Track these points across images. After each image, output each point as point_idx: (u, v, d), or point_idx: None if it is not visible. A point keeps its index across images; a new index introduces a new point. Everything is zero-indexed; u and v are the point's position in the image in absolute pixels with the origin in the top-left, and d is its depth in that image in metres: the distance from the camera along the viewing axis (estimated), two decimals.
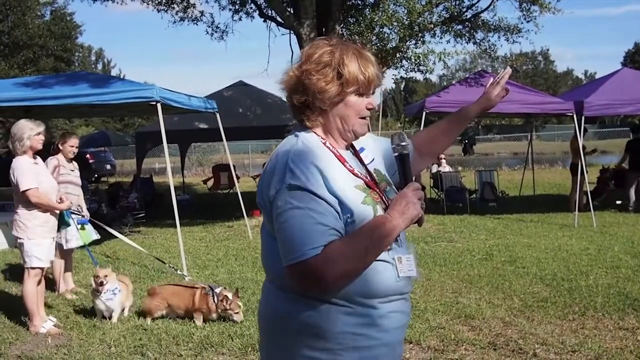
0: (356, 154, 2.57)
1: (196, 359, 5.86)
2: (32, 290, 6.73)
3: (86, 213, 8.47)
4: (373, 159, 2.63)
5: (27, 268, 6.72)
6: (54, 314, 7.31)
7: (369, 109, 2.46)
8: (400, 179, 2.48)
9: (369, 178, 2.47)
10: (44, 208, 6.72)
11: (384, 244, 2.27)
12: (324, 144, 2.42)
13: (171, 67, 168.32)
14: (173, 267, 8.58)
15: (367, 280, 2.29)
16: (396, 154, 2.50)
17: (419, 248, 11.20)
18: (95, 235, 8.66)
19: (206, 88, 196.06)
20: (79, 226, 8.16)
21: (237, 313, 6.89)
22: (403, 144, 2.49)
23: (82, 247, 8.44)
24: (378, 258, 2.30)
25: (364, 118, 2.46)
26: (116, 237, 9.14)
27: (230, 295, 6.88)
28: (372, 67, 2.42)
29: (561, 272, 8.98)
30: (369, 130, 2.55)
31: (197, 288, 7.10)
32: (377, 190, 2.44)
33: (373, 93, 2.49)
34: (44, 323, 6.75)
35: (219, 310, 6.87)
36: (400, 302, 2.43)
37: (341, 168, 2.38)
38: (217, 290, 6.99)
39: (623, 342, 6.06)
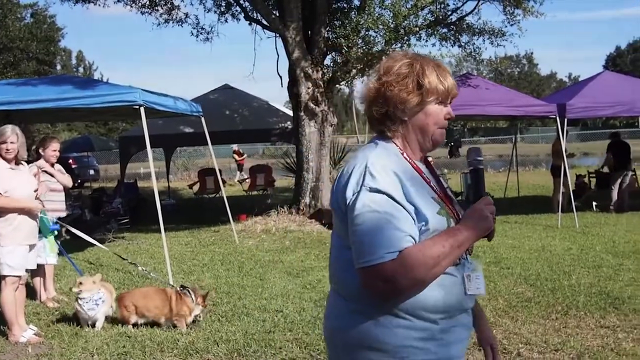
0: (432, 170, 2.59)
1: None
2: (9, 299, 6.58)
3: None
4: (448, 187, 2.65)
5: (3, 276, 6.57)
6: (34, 322, 7.23)
7: (447, 119, 2.48)
8: (472, 192, 2.52)
9: (443, 194, 2.49)
10: (11, 211, 6.51)
11: (455, 254, 2.28)
12: (402, 154, 2.44)
13: (156, 70, 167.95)
14: (145, 270, 8.50)
15: (432, 294, 2.29)
16: (471, 167, 2.57)
17: None
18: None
19: (191, 91, 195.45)
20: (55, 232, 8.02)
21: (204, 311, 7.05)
22: (479, 158, 2.59)
23: (60, 254, 8.37)
24: (448, 272, 2.31)
25: (442, 128, 2.49)
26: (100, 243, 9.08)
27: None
28: (450, 78, 2.46)
29: (545, 272, 9.04)
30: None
31: (169, 292, 7.08)
32: (451, 206, 2.46)
33: (450, 103, 2.51)
34: (24, 332, 6.64)
35: (199, 311, 6.92)
36: (462, 315, 2.43)
37: (418, 178, 2.41)
38: (190, 290, 7.04)
39: (604, 340, 6.11)
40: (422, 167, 2.51)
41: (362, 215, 2.23)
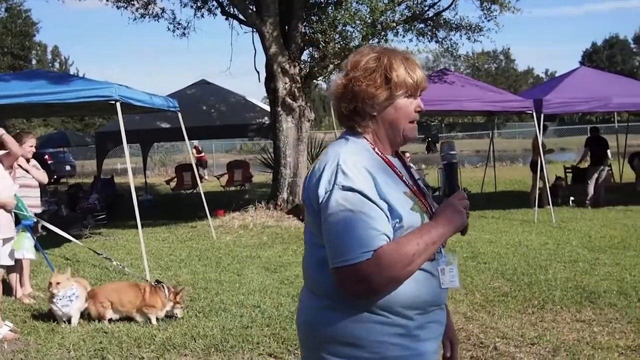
0: (405, 164, 2.57)
1: None
2: None
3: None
4: (419, 178, 2.63)
5: None
6: (10, 318, 7.16)
7: (417, 112, 2.47)
8: (446, 187, 2.50)
9: (416, 188, 2.47)
10: None
11: (430, 251, 2.27)
12: (373, 149, 2.42)
13: (132, 65, 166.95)
14: (120, 265, 8.45)
15: (407, 290, 2.28)
16: (445, 162, 2.54)
17: None
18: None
19: (169, 87, 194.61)
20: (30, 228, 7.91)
21: (181, 308, 6.99)
22: (452, 152, 2.55)
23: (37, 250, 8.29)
24: (422, 268, 2.30)
25: (413, 122, 2.47)
26: (75, 239, 9.01)
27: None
28: (419, 71, 2.44)
29: (521, 267, 9.09)
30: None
31: (143, 285, 7.08)
32: (424, 200, 2.45)
33: (420, 96, 2.49)
34: (0, 328, 6.58)
35: (171, 306, 6.91)
36: (437, 312, 2.43)
37: (391, 173, 2.38)
38: (165, 284, 7.03)
39: (580, 334, 6.16)
40: (395, 161, 2.49)
41: (335, 215, 2.21)
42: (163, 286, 6.95)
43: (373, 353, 2.29)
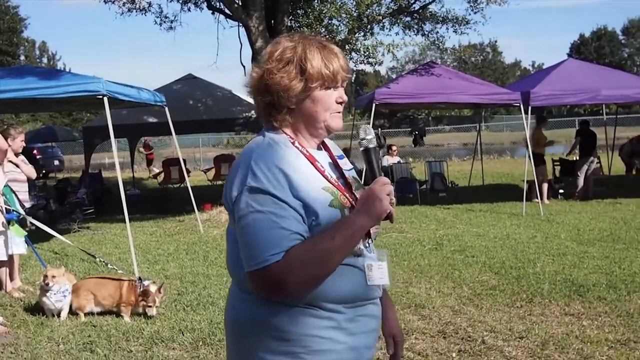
0: (332, 157, 2.48)
1: (146, 354, 5.79)
2: None
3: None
4: (352, 168, 2.55)
5: None
6: (0, 312, 7.16)
7: (339, 103, 2.37)
8: (368, 174, 2.37)
9: (340, 182, 2.37)
10: None
11: (348, 246, 2.20)
12: (293, 143, 2.33)
13: (119, 60, 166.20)
14: (104, 261, 8.40)
15: (334, 285, 2.22)
16: (362, 148, 2.42)
17: None
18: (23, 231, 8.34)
19: (155, 81, 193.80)
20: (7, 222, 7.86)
21: (150, 307, 6.86)
22: (368, 137, 2.42)
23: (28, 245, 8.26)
24: (347, 263, 2.24)
25: (337, 112, 2.37)
26: (64, 233, 8.98)
27: (153, 290, 6.87)
28: (337, 60, 2.33)
29: (509, 261, 9.12)
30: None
31: (124, 280, 7.06)
32: (348, 194, 2.33)
33: (343, 86, 2.39)
34: None
35: (140, 304, 6.88)
36: (369, 306, 2.37)
37: (310, 168, 2.29)
38: (146, 282, 6.95)
39: (569, 327, 6.19)
40: (319, 154, 2.40)
41: (245, 217, 2.17)
42: (142, 284, 6.90)
43: (304, 347, 2.25)
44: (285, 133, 2.35)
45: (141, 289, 6.87)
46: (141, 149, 29.29)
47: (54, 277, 6.85)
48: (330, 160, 2.46)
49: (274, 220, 2.13)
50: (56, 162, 33.46)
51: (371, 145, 2.41)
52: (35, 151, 29.62)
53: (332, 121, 2.37)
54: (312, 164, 2.31)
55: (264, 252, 2.11)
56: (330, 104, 2.34)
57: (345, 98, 2.39)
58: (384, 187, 2.24)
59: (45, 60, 67.88)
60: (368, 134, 2.41)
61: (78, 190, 16.63)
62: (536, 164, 15.10)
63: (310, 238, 2.17)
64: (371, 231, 2.33)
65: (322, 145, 2.49)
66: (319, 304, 2.24)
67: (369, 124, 15.33)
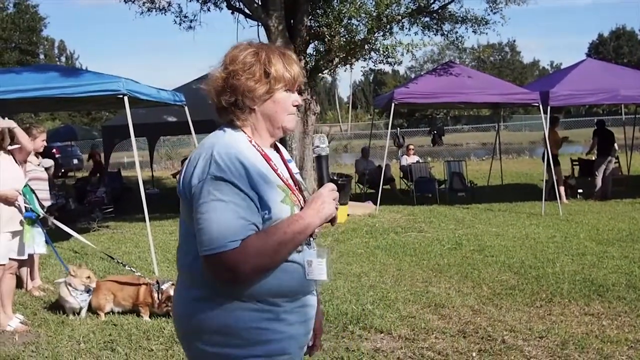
0: (282, 158, 2.64)
1: (167, 353, 5.81)
2: None
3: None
4: (298, 172, 2.69)
5: None
6: (21, 311, 7.22)
7: (295, 106, 2.54)
8: (317, 179, 2.56)
9: (290, 181, 2.53)
10: None
11: (297, 241, 2.36)
12: (250, 142, 2.47)
13: (137, 60, 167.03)
14: (122, 263, 8.39)
15: (275, 279, 2.36)
16: (315, 155, 2.62)
17: (389, 239, 11.28)
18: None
19: (173, 81, 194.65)
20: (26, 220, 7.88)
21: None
22: (322, 145, 2.64)
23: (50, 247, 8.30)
24: (289, 259, 2.39)
25: (292, 114, 2.55)
26: (83, 232, 9.03)
27: (172, 292, 6.88)
28: (296, 66, 2.51)
29: (529, 260, 9.10)
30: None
31: (141, 283, 7.09)
32: (297, 194, 2.51)
33: (298, 91, 2.57)
34: (11, 321, 6.62)
35: (163, 307, 6.89)
36: (307, 297, 2.53)
37: (265, 166, 2.44)
38: (164, 286, 6.94)
39: (589, 327, 6.17)
40: (273, 154, 2.56)
41: (206, 204, 2.27)
42: (159, 288, 6.93)
43: (244, 339, 2.38)
44: (244, 132, 2.51)
45: (160, 292, 6.89)
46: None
47: (88, 277, 6.99)
48: (282, 161, 2.62)
49: (235, 209, 2.26)
50: (75, 161, 33.67)
51: (323, 153, 2.66)
52: (54, 150, 29.81)
53: (288, 122, 2.55)
54: (267, 162, 2.47)
55: (223, 238, 2.23)
56: (288, 106, 2.52)
57: (301, 101, 2.59)
58: (332, 192, 2.47)
59: (63, 59, 68.28)
60: (322, 142, 2.65)
61: (97, 189, 16.70)
62: (555, 163, 15.03)
63: (263, 230, 2.32)
64: (315, 230, 2.46)
65: (275, 148, 2.64)
66: (260, 298, 2.38)
67: (388, 123, 15.33)
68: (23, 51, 42.81)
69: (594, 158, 17.24)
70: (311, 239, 2.48)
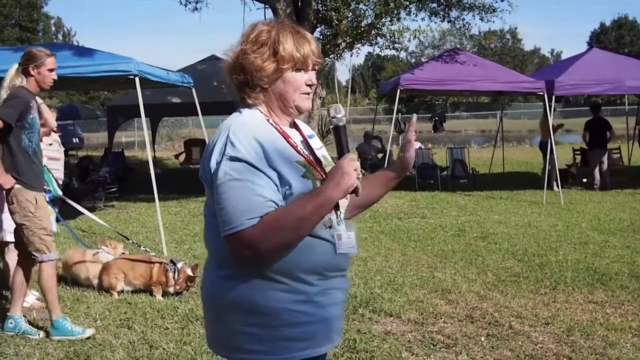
0: (303, 136, 2.63)
1: (182, 331, 5.90)
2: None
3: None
4: (321, 147, 2.70)
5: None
6: (36, 287, 7.24)
7: (308, 85, 2.52)
8: (337, 150, 2.51)
9: (311, 157, 2.53)
10: None
11: (318, 215, 2.32)
12: (267, 120, 2.49)
13: (138, 39, 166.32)
14: (137, 243, 8.48)
15: (304, 256, 2.38)
16: (331, 125, 2.55)
17: (392, 224, 11.41)
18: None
19: (176, 62, 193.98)
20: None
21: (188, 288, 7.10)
22: (338, 115, 2.53)
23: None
24: (317, 235, 2.39)
25: (306, 94, 2.54)
26: (89, 211, 9.09)
27: (188, 271, 7.02)
28: (308, 45, 2.49)
29: (532, 248, 9.23)
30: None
31: (154, 262, 7.18)
32: (319, 168, 2.51)
33: (314, 70, 2.55)
34: (27, 297, 6.64)
35: (178, 287, 6.99)
36: (337, 279, 2.52)
37: (284, 143, 2.45)
38: (179, 265, 7.04)
39: (593, 315, 6.29)
40: (292, 132, 2.56)
41: (224, 184, 2.30)
42: (176, 267, 7.00)
43: (276, 319, 2.39)
44: (260, 111, 2.51)
45: (176, 272, 6.99)
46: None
47: (115, 248, 7.72)
48: (302, 139, 2.61)
49: (251, 187, 2.28)
50: (75, 140, 33.60)
51: (341, 124, 2.53)
52: (55, 128, 29.70)
53: (301, 102, 2.53)
54: (286, 139, 2.48)
55: (241, 216, 2.25)
56: (299, 86, 2.50)
57: (315, 81, 2.56)
58: (352, 163, 2.37)
59: (60, 36, 67.78)
60: (338, 113, 2.54)
61: (100, 169, 16.73)
62: (544, 152, 15.17)
63: (282, 207, 2.31)
64: (340, 203, 2.45)
65: (294, 126, 2.64)
66: (291, 276, 2.38)
67: (387, 109, 15.36)
68: (23, 28, 42.65)
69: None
70: (338, 212, 2.46)
